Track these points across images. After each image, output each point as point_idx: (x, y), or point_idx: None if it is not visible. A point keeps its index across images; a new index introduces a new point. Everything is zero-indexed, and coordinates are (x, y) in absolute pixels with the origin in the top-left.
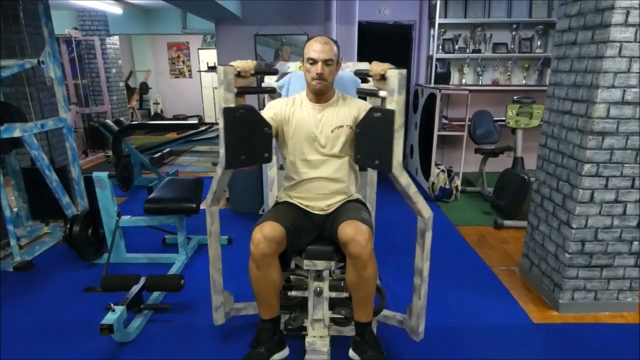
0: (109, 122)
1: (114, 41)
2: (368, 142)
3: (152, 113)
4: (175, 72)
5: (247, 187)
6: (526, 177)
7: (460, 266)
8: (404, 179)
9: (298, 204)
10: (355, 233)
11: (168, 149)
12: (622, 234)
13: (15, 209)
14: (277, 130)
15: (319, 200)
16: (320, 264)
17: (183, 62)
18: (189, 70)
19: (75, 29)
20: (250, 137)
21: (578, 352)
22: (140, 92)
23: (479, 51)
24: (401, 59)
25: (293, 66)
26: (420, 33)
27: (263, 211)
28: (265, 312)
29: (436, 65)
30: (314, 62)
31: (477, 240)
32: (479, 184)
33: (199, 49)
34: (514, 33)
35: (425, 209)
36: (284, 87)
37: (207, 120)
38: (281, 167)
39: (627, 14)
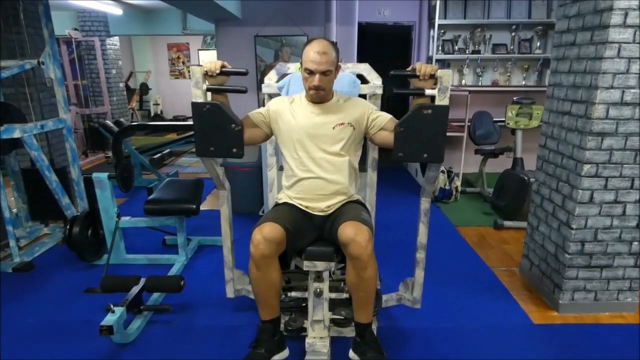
0: (108, 122)
1: (114, 42)
2: (415, 138)
3: (152, 114)
4: (175, 73)
5: (246, 188)
6: (526, 178)
7: (460, 267)
8: (440, 168)
9: (298, 205)
10: (355, 234)
11: (168, 150)
12: (622, 234)
13: (14, 210)
14: (269, 127)
15: (318, 201)
16: (320, 265)
17: (183, 63)
18: (189, 71)
19: (76, 29)
20: (218, 132)
21: (578, 353)
22: (140, 93)
23: (478, 52)
24: (401, 59)
25: (293, 67)
26: (420, 34)
27: (263, 212)
28: (265, 313)
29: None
30: (311, 73)
31: (477, 241)
32: (478, 185)
33: (199, 49)
34: (513, 34)
35: (431, 191)
36: (283, 88)
37: None
38: (281, 168)
39: (626, 15)
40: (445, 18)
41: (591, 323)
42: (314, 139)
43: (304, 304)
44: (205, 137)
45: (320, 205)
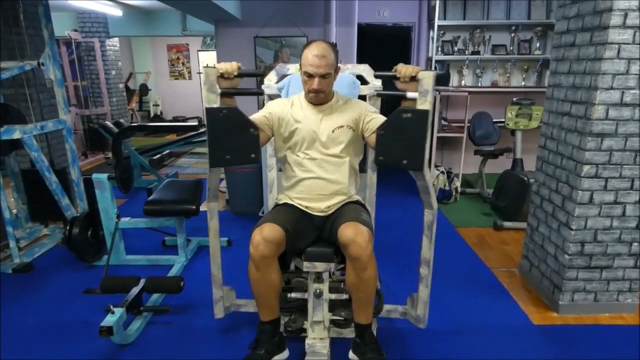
0: (108, 123)
1: (113, 43)
2: (395, 142)
3: (152, 115)
4: (175, 74)
5: (246, 189)
6: (525, 179)
7: (460, 267)
8: (428, 176)
9: (298, 205)
10: (355, 235)
11: (168, 151)
12: (622, 235)
13: (14, 211)
14: (272, 130)
15: (318, 201)
16: (319, 266)
17: (183, 63)
18: (189, 72)
19: (75, 30)
20: (235, 138)
21: (578, 354)
22: (140, 94)
23: (478, 53)
24: (400, 60)
25: (292, 68)
26: (420, 35)
27: (262, 213)
28: (265, 313)
29: (435, 66)
30: (310, 76)
31: (477, 242)
32: (478, 186)
33: (198, 50)
34: (512, 35)
35: (435, 202)
36: (283, 88)
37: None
38: (281, 169)
39: (625, 15)
40: (444, 19)
41: (591, 324)
42: (314, 141)
43: (303, 305)
44: (221, 145)
45: (320, 206)
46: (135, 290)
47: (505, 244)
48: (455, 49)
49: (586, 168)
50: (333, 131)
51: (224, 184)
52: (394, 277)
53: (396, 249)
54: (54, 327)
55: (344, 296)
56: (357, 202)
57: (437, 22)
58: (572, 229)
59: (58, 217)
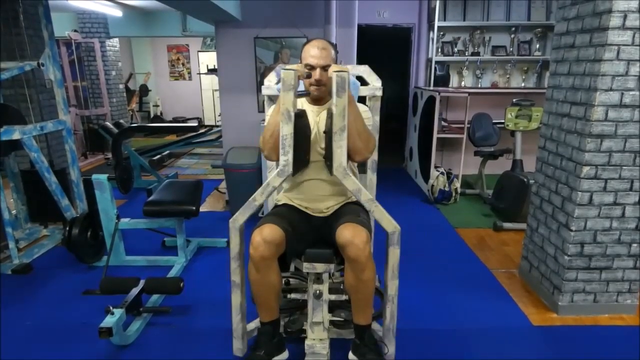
0: (108, 124)
1: (113, 43)
2: (328, 142)
3: (152, 115)
4: (175, 75)
5: (246, 190)
6: (525, 180)
7: (459, 268)
8: (349, 183)
9: (298, 206)
10: (353, 236)
11: (167, 152)
12: (621, 236)
13: (14, 212)
14: None
15: (318, 202)
16: (319, 267)
17: (183, 64)
18: (189, 73)
19: (75, 31)
20: (303, 142)
21: (577, 355)
22: (140, 95)
23: (478, 54)
24: (400, 61)
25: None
26: (420, 36)
27: (262, 214)
28: (264, 314)
29: (435, 67)
30: (312, 68)
31: (477, 243)
32: (478, 187)
33: (198, 51)
34: (512, 36)
35: (386, 221)
36: None
37: (206, 123)
38: None
39: (625, 17)
40: (444, 20)
41: (590, 325)
42: (313, 144)
43: (303, 306)
44: (299, 150)
45: (320, 206)
46: (134, 291)
47: (505, 245)
48: (455, 50)
49: (586, 169)
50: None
51: (223, 184)
52: None
53: None
54: (53, 328)
55: (344, 297)
56: (356, 203)
57: (437, 23)
58: (571, 230)
59: (57, 217)
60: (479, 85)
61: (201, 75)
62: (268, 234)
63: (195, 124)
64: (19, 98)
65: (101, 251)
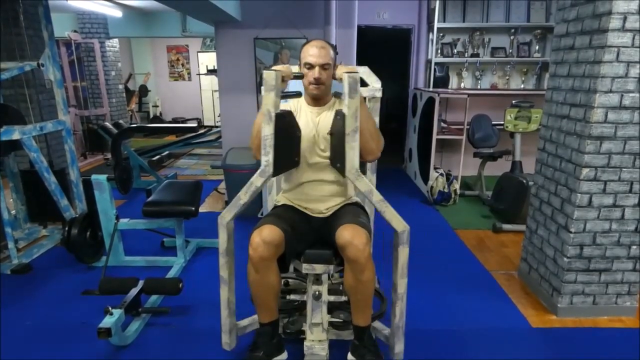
0: (108, 124)
1: (113, 44)
2: (335, 144)
3: (151, 116)
4: (175, 75)
5: None
6: (525, 181)
7: (459, 270)
8: (362, 185)
9: (297, 207)
10: (353, 236)
11: (167, 152)
12: (621, 238)
13: (13, 212)
14: None
15: (317, 203)
16: (318, 268)
17: (182, 65)
18: (189, 73)
19: (75, 31)
20: (288, 142)
21: (576, 357)
22: (139, 95)
23: (477, 55)
24: (400, 62)
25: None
26: (419, 37)
27: (262, 214)
28: (263, 315)
29: (435, 69)
30: (311, 66)
31: (476, 244)
32: (477, 188)
33: (198, 52)
34: (512, 37)
35: (396, 221)
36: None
37: (206, 123)
38: None
39: (625, 19)
40: (444, 21)
41: (590, 327)
42: (312, 145)
43: (302, 307)
44: (281, 152)
45: (319, 207)
46: (134, 292)
47: (504, 247)
48: (455, 51)
49: (585, 171)
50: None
51: (223, 185)
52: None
53: None
54: (52, 328)
55: (343, 298)
56: (356, 204)
57: (436, 25)
58: (571, 232)
59: (57, 218)
60: (479, 87)
61: (201, 75)
62: (267, 234)
63: (195, 125)
64: (18, 98)
65: (100, 251)
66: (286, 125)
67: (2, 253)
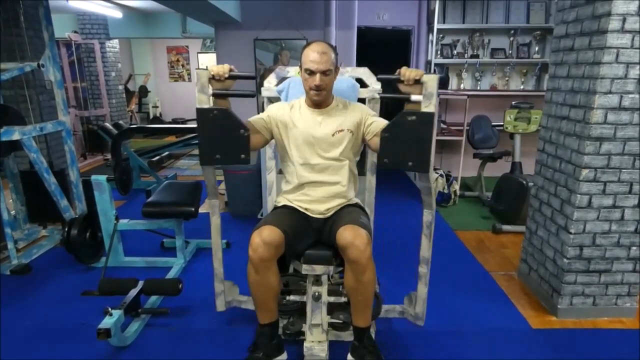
0: (107, 125)
1: (113, 45)
2: (400, 144)
3: (151, 116)
4: (175, 76)
5: (245, 191)
6: (524, 182)
7: (458, 271)
8: (432, 177)
9: (297, 207)
10: (353, 237)
11: (167, 153)
12: (620, 239)
13: (13, 212)
14: (270, 132)
15: (318, 204)
16: (318, 269)
17: (182, 65)
18: (189, 74)
19: (75, 32)
20: (225, 138)
21: (577, 358)
22: (139, 96)
23: (477, 56)
24: (400, 63)
25: (292, 71)
26: (419, 38)
27: (262, 215)
28: (263, 316)
29: (435, 70)
30: (311, 72)
31: (476, 245)
32: (477, 189)
33: (198, 52)
34: (511, 38)
35: (434, 203)
36: (283, 91)
37: None
38: (280, 172)
39: (624, 20)
40: (444, 22)
41: (590, 328)
42: (313, 145)
43: (302, 308)
44: (211, 145)
45: (320, 208)
46: (133, 292)
47: (504, 248)
48: (455, 52)
49: (585, 172)
50: (333, 135)
51: (223, 186)
52: (394, 281)
53: (396, 253)
54: (52, 329)
55: (343, 299)
56: (356, 205)
57: (436, 26)
58: (570, 233)
59: (56, 218)
60: (478, 88)
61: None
62: (267, 235)
63: (195, 125)
64: (19, 99)
65: (100, 252)
66: (229, 126)
67: (1, 253)
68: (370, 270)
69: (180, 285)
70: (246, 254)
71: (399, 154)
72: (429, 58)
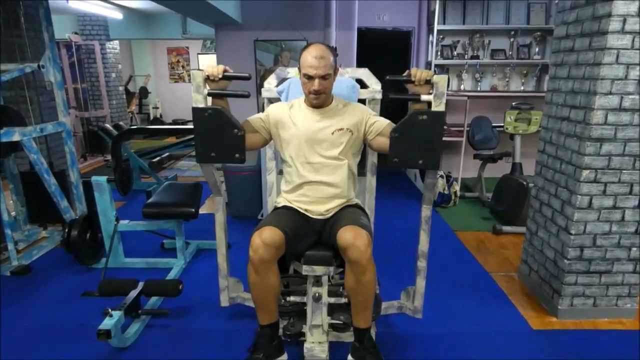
0: (108, 126)
1: (114, 46)
2: (410, 144)
3: (152, 117)
4: (175, 77)
5: (245, 192)
6: (525, 183)
7: (459, 272)
8: (440, 174)
9: (297, 208)
10: (354, 238)
11: (167, 154)
12: (621, 240)
13: (13, 213)
14: (268, 132)
15: (318, 205)
16: (319, 270)
17: (183, 67)
18: (189, 75)
19: (76, 33)
20: (220, 137)
21: (577, 359)
22: (139, 97)
23: (477, 57)
24: (400, 65)
25: (292, 71)
26: (419, 39)
27: (262, 216)
28: (263, 317)
29: (435, 71)
30: (310, 77)
31: (476, 246)
32: (477, 190)
33: (198, 54)
34: (512, 39)
35: (433, 198)
36: (283, 92)
37: None
38: (280, 172)
39: (624, 21)
40: (444, 23)
41: (590, 329)
42: (313, 144)
43: (302, 309)
44: (206, 143)
45: (320, 209)
46: (133, 293)
47: (504, 249)
48: (455, 53)
49: (585, 173)
50: (332, 133)
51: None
52: (394, 282)
53: (396, 254)
54: (52, 329)
55: (343, 300)
56: (356, 206)
57: (436, 27)
58: (571, 234)
59: (57, 219)
60: (479, 89)
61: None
62: (267, 236)
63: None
64: (19, 100)
65: (100, 253)
66: (209, 120)
67: (1, 255)
68: (370, 270)
69: (180, 286)
70: (246, 255)
71: (409, 153)
72: (429, 59)
